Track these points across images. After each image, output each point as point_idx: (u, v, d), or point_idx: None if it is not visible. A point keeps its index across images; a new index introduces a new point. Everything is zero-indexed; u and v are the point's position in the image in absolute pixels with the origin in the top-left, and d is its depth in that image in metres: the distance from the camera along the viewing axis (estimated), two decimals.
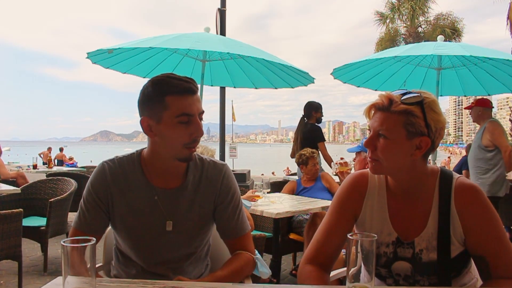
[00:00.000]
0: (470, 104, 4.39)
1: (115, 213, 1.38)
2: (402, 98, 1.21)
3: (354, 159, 3.22)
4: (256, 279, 1.72)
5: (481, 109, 4.24)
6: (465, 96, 6.00)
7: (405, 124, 1.19)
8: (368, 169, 1.39)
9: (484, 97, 4.83)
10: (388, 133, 1.21)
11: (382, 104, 1.23)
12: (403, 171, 1.26)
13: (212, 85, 5.64)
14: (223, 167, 1.48)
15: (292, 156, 4.91)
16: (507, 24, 11.33)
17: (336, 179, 4.09)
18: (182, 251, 1.42)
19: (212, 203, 1.44)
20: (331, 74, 5.10)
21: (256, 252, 1.54)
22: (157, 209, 1.37)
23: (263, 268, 1.51)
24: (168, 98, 1.26)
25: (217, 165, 1.48)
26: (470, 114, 4.34)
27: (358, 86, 5.53)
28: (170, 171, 1.40)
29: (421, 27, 24.06)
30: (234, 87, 5.60)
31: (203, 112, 1.33)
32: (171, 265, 1.41)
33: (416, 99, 1.20)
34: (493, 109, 4.28)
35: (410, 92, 1.22)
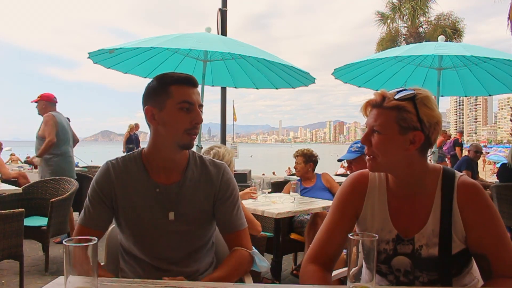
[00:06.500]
0: (37, 98, 4.92)
1: (119, 208, 1.44)
2: (396, 95, 1.24)
3: (349, 167, 2.96)
4: (257, 276, 1.72)
5: (45, 103, 4.87)
6: (465, 96, 6.00)
7: (397, 119, 1.22)
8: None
9: (485, 97, 4.89)
10: (381, 129, 1.24)
11: (375, 101, 1.27)
12: (400, 167, 1.28)
13: (213, 85, 5.64)
14: (222, 166, 1.56)
15: None
16: (508, 24, 11.31)
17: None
18: (185, 247, 1.47)
19: (212, 200, 1.50)
20: (332, 74, 5.10)
21: (253, 247, 1.58)
22: (159, 202, 1.44)
23: (262, 262, 1.54)
24: (172, 87, 1.38)
25: (217, 164, 1.56)
26: (37, 107, 4.88)
27: (359, 86, 5.52)
28: (171, 167, 1.46)
29: (422, 27, 24.04)
30: (235, 87, 5.60)
31: (202, 105, 1.44)
32: (174, 260, 1.46)
33: (408, 95, 1.23)
34: (56, 104, 4.91)
35: (405, 90, 1.25)
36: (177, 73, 1.41)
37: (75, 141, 5.32)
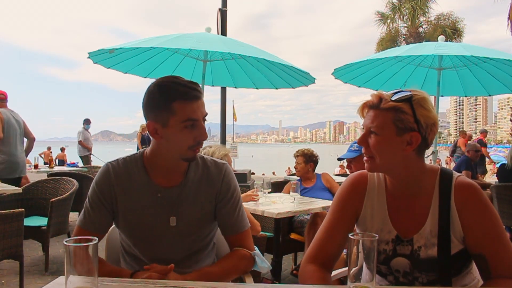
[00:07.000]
0: None
1: (119, 211, 1.42)
2: (393, 96, 1.25)
3: (348, 166, 3.01)
4: (257, 276, 1.72)
5: None
6: (465, 96, 6.00)
7: (394, 120, 1.23)
8: None
9: (485, 97, 4.88)
10: (379, 130, 1.25)
11: (372, 102, 1.28)
12: (397, 167, 1.28)
13: (213, 85, 5.64)
14: (224, 166, 1.54)
15: None
16: (508, 24, 11.31)
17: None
18: (186, 248, 1.46)
19: (214, 200, 1.49)
20: (332, 74, 5.11)
21: (256, 248, 1.57)
22: (160, 206, 1.42)
23: (263, 263, 1.53)
24: (175, 104, 1.31)
25: (218, 164, 1.53)
26: None
27: (359, 86, 5.53)
28: (172, 170, 1.45)
29: (422, 27, 24.04)
30: (235, 87, 5.60)
31: (206, 114, 1.38)
32: (175, 262, 1.42)
33: (405, 96, 1.24)
34: (4, 100, 4.79)
35: (402, 91, 1.26)
36: (180, 85, 1.32)
37: (31, 140, 5.14)
